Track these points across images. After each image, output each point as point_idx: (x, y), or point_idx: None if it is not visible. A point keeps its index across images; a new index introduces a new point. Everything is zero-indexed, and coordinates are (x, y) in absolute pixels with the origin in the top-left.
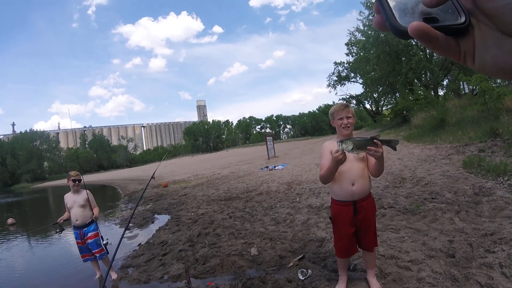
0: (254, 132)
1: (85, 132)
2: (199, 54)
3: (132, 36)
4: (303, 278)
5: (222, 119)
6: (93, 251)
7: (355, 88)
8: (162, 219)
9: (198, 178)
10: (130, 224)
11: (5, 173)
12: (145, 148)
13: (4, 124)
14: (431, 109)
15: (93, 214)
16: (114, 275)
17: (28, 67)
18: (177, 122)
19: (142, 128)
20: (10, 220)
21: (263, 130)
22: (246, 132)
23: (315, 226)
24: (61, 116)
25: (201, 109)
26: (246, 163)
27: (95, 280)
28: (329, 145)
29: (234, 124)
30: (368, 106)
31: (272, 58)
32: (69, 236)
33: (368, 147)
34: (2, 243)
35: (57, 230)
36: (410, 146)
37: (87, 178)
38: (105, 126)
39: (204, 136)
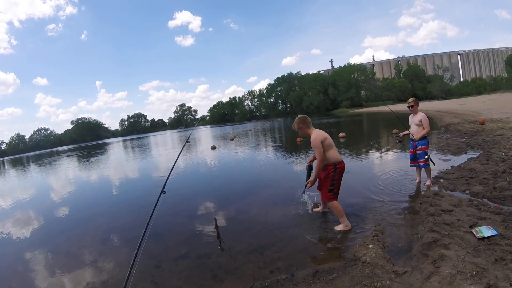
0: None
1: (399, 62)
2: None
3: None
4: None
5: None
6: (419, 160)
7: None
8: (474, 152)
9: None
10: (445, 150)
11: (327, 100)
12: (461, 79)
13: (323, 61)
14: None
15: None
16: (428, 182)
17: (335, 12)
18: (498, 49)
19: (458, 56)
20: (341, 134)
21: None
22: None
23: None
24: (374, 49)
25: None
26: None
27: (415, 182)
28: None
29: None
30: None
31: None
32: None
33: None
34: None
35: (398, 140)
36: None
37: (400, 107)
38: (419, 56)
39: None
